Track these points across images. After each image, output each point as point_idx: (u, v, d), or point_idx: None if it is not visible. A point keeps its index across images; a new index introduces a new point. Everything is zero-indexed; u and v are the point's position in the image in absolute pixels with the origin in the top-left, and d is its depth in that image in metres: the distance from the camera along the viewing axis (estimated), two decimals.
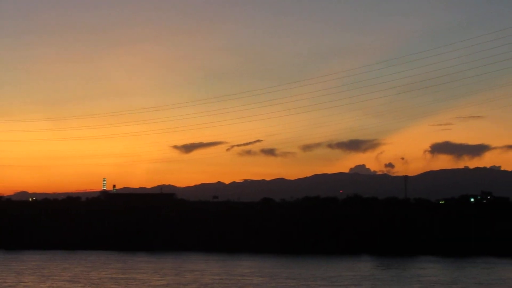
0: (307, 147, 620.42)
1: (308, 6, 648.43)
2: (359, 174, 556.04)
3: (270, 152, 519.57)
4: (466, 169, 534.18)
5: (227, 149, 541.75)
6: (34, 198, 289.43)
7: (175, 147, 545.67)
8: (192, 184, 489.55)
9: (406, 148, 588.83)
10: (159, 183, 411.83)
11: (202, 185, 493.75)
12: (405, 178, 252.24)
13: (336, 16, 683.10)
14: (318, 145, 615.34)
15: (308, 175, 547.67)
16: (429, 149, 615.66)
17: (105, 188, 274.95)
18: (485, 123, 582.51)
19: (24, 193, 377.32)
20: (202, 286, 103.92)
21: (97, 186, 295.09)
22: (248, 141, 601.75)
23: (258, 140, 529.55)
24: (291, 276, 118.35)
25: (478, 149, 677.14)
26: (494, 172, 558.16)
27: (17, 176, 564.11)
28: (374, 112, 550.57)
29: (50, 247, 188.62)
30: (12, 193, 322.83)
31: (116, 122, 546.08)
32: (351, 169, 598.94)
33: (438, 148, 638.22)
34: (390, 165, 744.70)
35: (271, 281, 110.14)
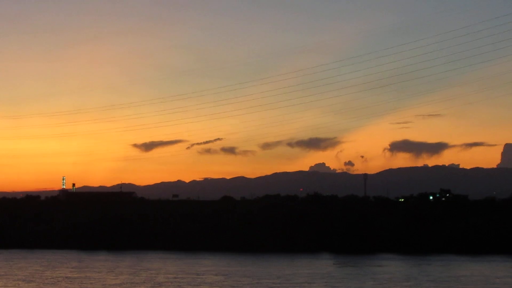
0: (267, 146, 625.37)
1: (264, 5, 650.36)
2: (319, 172, 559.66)
3: (230, 150, 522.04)
4: (425, 167, 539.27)
5: (187, 148, 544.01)
6: None
7: (135, 145, 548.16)
8: (152, 182, 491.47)
9: (366, 146, 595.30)
10: (119, 182, 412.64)
11: (162, 183, 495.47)
12: (365, 176, 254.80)
13: (291, 15, 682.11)
14: (278, 143, 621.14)
15: (268, 174, 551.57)
16: (389, 147, 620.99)
17: (64, 187, 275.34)
18: (443, 121, 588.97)
19: None
20: (155, 285, 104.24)
21: (56, 185, 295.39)
22: (208, 139, 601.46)
23: (218, 139, 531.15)
24: (246, 274, 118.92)
25: (437, 147, 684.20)
26: (453, 170, 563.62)
27: None
28: (333, 110, 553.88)
29: (8, 246, 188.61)
30: None
31: (74, 121, 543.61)
32: (311, 167, 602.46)
33: (397, 146, 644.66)
34: (349, 163, 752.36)
35: (225, 279, 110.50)
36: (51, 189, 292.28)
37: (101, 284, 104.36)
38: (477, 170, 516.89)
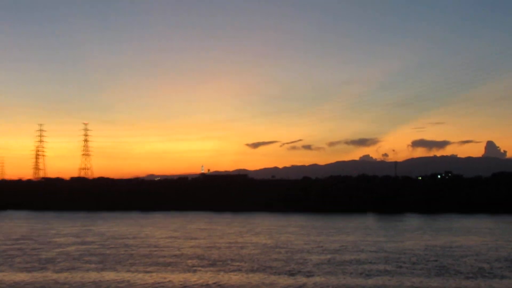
0: (332, 144, 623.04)
1: (325, 50, 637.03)
2: (366, 161, 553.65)
3: (307, 147, 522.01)
4: (434, 157, 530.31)
5: (280, 146, 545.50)
6: (159, 178, 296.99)
7: (247, 144, 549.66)
8: (258, 168, 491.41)
9: (396, 143, 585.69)
10: (237, 168, 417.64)
11: (265, 169, 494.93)
12: (395, 163, 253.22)
13: (343, 55, 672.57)
14: (338, 142, 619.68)
15: (333, 162, 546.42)
16: (411, 144, 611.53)
17: (203, 171, 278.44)
18: (447, 126, 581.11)
19: (152, 175, 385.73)
20: (255, 233, 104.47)
21: (198, 170, 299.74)
22: (293, 140, 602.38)
23: (300, 139, 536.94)
24: (314, 226, 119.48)
25: (443, 144, 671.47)
26: (453, 158, 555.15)
27: (148, 163, 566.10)
28: (374, 120, 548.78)
29: (161, 209, 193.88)
30: (144, 175, 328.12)
31: (209, 129, 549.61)
32: (360, 157, 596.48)
33: (416, 143, 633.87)
34: (385, 154, 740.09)
35: (301, 230, 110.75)
36: (194, 173, 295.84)
37: (221, 233, 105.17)
38: (468, 159, 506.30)
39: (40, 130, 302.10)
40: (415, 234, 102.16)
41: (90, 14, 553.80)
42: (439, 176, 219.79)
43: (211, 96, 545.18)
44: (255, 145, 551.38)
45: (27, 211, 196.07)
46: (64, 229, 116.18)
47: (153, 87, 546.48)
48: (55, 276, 55.45)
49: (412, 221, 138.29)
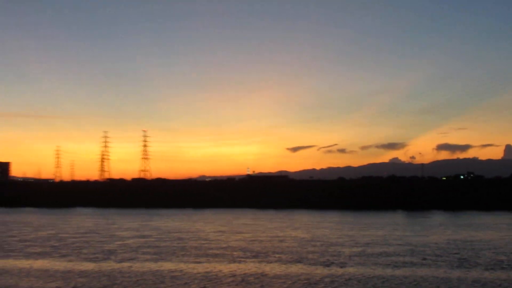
0: (364, 147, 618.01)
1: (356, 63, 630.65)
2: (395, 163, 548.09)
3: (342, 151, 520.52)
4: (457, 159, 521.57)
5: (318, 149, 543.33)
6: (209, 179, 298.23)
7: (288, 148, 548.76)
8: (297, 170, 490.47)
9: (422, 147, 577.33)
10: (279, 169, 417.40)
11: (303, 170, 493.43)
12: (422, 165, 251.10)
13: (375, 67, 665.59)
14: (370, 146, 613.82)
15: (365, 164, 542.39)
16: (436, 147, 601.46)
17: (248, 172, 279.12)
18: (469, 131, 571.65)
19: (203, 176, 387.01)
20: (294, 228, 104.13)
21: (244, 171, 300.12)
22: (329, 144, 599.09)
23: (335, 144, 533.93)
24: (347, 222, 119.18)
25: (465, 147, 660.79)
26: (474, 160, 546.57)
27: (200, 166, 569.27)
28: (402, 126, 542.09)
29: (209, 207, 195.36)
30: (196, 176, 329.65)
31: (250, 136, 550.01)
32: (390, 159, 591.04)
33: (441, 147, 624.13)
34: (412, 157, 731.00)
35: (335, 225, 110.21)
36: (241, 174, 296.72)
37: (263, 227, 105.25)
38: (489, 161, 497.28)
39: (105, 137, 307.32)
40: (438, 229, 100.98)
41: (151, 33, 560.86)
42: (461, 177, 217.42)
43: (256, 105, 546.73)
44: (295, 149, 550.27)
45: (93, 208, 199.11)
46: (125, 224, 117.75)
47: (205, 97, 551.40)
48: (117, 265, 56.28)
49: (437, 218, 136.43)
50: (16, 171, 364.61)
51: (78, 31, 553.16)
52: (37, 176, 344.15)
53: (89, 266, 56.06)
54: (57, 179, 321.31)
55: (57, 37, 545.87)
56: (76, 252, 67.70)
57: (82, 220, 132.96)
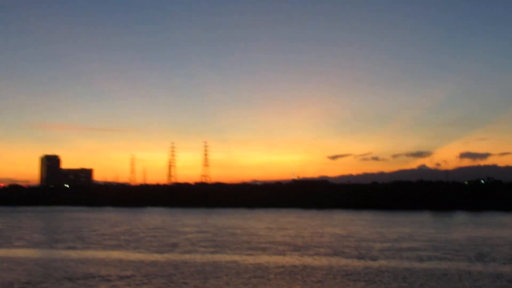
0: (395, 156, 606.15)
1: (390, 80, 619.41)
2: (422, 169, 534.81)
3: (375, 158, 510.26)
4: (478, 166, 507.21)
5: (354, 157, 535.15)
6: (260, 183, 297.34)
7: (328, 156, 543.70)
8: (336, 175, 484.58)
9: (446, 155, 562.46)
10: (320, 175, 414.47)
11: (341, 176, 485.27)
12: (446, 171, 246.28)
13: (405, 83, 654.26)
14: (400, 154, 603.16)
15: (396, 170, 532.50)
16: (459, 155, 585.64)
17: (294, 177, 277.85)
18: (489, 141, 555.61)
19: (255, 181, 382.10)
20: (335, 224, 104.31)
21: (289, 176, 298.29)
22: (364, 153, 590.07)
23: (369, 152, 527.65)
24: (378, 220, 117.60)
25: (485, 155, 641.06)
26: (494, 167, 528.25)
27: (253, 171, 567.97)
28: (429, 136, 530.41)
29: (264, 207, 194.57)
30: (249, 180, 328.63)
31: (298, 145, 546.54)
32: (418, 166, 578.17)
33: (463, 155, 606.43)
34: (438, 164, 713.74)
35: (368, 224, 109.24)
36: (287, 179, 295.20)
37: (306, 225, 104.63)
38: (507, 167, 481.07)
39: (172, 147, 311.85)
40: (460, 227, 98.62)
41: (212, 58, 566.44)
42: (482, 181, 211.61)
43: (300, 119, 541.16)
44: (334, 157, 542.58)
45: (161, 208, 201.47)
46: (188, 222, 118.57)
47: (257, 113, 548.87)
48: (180, 256, 56.86)
49: (459, 217, 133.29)
50: (97, 176, 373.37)
51: (149, 56, 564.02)
52: (115, 180, 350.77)
53: (157, 257, 56.71)
54: (132, 183, 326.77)
55: (130, 61, 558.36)
56: (146, 245, 68.54)
57: (152, 218, 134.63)
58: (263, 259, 54.61)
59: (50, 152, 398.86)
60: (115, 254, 58.90)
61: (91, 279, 42.26)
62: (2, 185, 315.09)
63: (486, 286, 40.03)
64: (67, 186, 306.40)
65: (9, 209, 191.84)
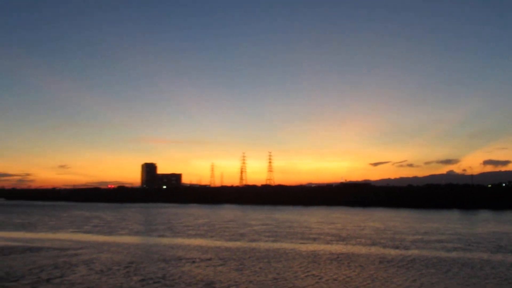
0: (426, 163, 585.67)
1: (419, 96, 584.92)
2: (450, 174, 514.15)
3: (411, 165, 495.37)
4: (499, 171, 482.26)
5: (392, 164, 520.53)
6: (314, 185, 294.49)
7: (370, 163, 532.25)
8: (377, 179, 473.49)
9: (472, 162, 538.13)
10: (364, 178, 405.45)
11: (382, 179, 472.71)
12: (472, 176, 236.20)
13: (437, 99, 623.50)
14: (431, 162, 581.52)
15: (428, 175, 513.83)
16: (482, 162, 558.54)
17: (342, 180, 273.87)
18: (509, 150, 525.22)
19: (310, 183, 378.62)
20: (372, 220, 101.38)
21: (338, 179, 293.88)
22: (400, 160, 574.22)
23: (405, 160, 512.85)
24: (413, 217, 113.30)
25: (506, 162, 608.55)
26: None
27: (308, 176, 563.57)
28: (456, 146, 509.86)
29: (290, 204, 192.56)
30: (305, 183, 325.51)
31: (346, 154, 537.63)
32: (447, 172, 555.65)
33: (487, 162, 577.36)
34: (464, 170, 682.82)
35: (403, 219, 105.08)
36: (336, 182, 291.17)
37: (350, 220, 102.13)
38: None
39: (243, 156, 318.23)
40: (483, 223, 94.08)
41: (273, 79, 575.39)
42: (503, 185, 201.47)
43: (347, 131, 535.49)
44: (375, 164, 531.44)
45: (235, 205, 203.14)
46: (255, 216, 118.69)
47: (312, 127, 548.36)
48: (247, 244, 57.35)
49: (482, 215, 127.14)
50: (185, 180, 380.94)
51: (223, 79, 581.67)
52: (198, 183, 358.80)
53: (229, 244, 57.39)
54: (212, 185, 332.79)
55: (210, 87, 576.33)
56: (221, 234, 69.40)
57: (227, 213, 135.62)
58: (315, 247, 54.32)
59: (149, 160, 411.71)
60: (197, 242, 59.76)
61: (179, 261, 43.30)
62: (112, 186, 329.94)
63: (504, 273, 38.28)
64: (165, 187, 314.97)
65: (117, 205, 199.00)
